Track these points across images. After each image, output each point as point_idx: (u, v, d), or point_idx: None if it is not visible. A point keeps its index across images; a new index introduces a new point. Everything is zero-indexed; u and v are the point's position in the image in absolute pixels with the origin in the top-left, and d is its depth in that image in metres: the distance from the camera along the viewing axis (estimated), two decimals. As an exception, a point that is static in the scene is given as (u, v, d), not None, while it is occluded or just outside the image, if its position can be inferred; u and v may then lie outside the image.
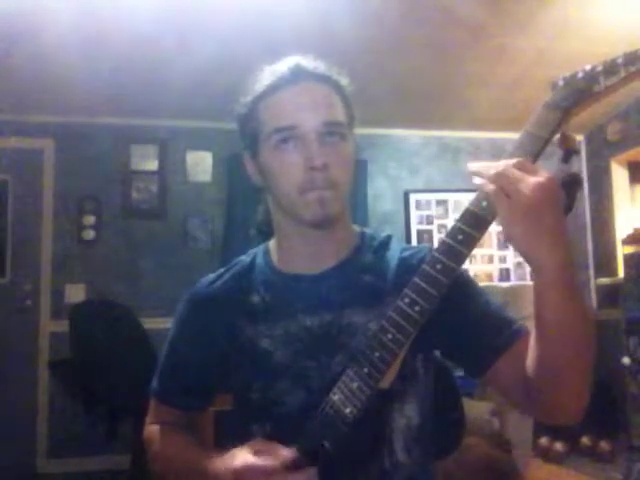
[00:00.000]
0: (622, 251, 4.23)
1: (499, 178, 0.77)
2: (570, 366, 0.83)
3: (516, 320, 0.98)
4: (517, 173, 0.77)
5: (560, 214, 0.78)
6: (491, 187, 0.78)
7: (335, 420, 0.87)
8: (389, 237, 1.09)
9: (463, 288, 0.98)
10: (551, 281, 0.79)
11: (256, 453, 0.87)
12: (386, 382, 0.86)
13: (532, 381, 0.87)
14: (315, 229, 0.99)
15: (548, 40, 3.26)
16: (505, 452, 2.41)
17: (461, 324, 0.97)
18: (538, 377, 0.86)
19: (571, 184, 0.87)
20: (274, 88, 0.98)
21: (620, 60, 0.79)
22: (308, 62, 1.00)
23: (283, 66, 0.99)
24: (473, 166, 0.82)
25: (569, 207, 0.86)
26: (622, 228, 4.38)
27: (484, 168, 0.80)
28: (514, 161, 0.79)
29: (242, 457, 0.88)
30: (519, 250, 0.79)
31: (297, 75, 0.98)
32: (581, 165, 4.79)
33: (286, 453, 0.86)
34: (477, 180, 0.81)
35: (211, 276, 1.10)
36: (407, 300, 0.84)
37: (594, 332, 0.86)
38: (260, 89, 0.99)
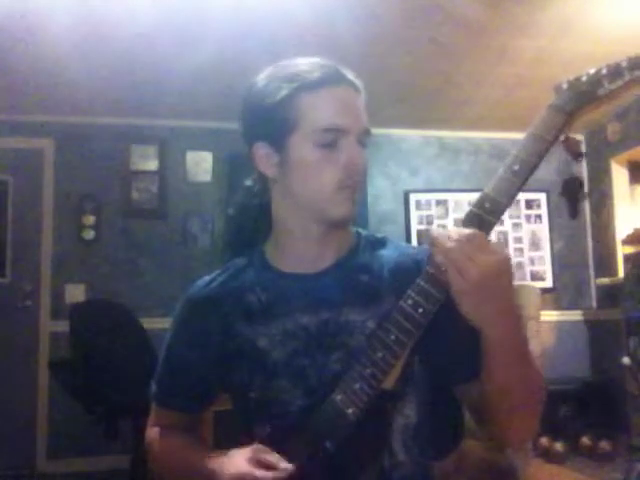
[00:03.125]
0: (622, 251, 4.23)
1: (450, 254, 0.81)
2: (513, 417, 0.92)
3: None
4: (467, 250, 0.80)
5: (507, 288, 0.83)
6: (443, 260, 0.82)
7: (337, 420, 0.88)
8: (384, 237, 1.10)
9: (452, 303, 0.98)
10: (497, 348, 0.85)
11: (253, 462, 0.87)
12: (388, 383, 0.87)
13: (484, 412, 0.95)
14: (333, 227, 1.01)
15: (548, 40, 3.26)
16: (501, 453, 2.41)
17: (452, 335, 0.97)
18: (489, 411, 0.93)
19: (573, 189, 0.90)
20: (317, 84, 0.96)
21: (624, 64, 0.80)
22: (341, 67, 1.00)
23: (318, 64, 0.98)
24: (434, 232, 0.85)
25: (574, 212, 0.89)
26: (622, 228, 4.38)
27: (442, 237, 0.83)
28: (468, 233, 0.81)
29: (239, 464, 0.88)
30: (468, 318, 0.83)
31: (338, 77, 0.98)
32: (581, 165, 4.80)
33: (284, 467, 0.86)
34: (433, 249, 0.84)
35: (206, 278, 1.10)
36: (410, 302, 0.85)
37: (543, 392, 0.94)
38: (301, 82, 0.96)
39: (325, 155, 0.96)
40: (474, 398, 0.96)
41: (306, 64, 0.98)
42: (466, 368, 0.96)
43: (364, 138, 0.99)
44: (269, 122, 0.98)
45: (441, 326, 0.94)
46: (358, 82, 1.01)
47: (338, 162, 0.96)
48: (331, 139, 0.95)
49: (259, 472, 0.85)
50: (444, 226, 4.61)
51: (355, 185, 0.98)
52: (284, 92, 0.96)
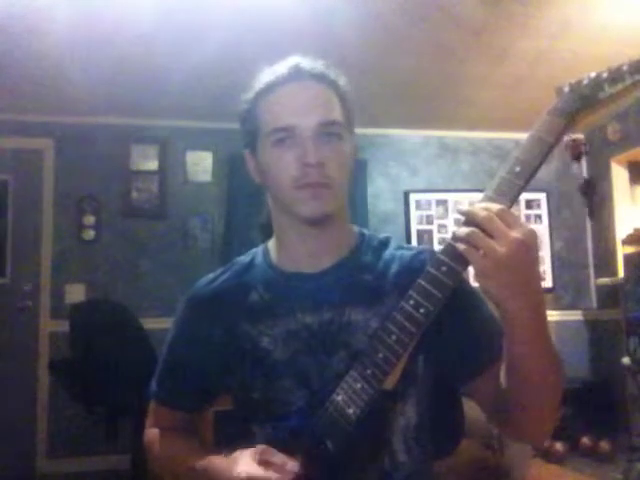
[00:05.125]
0: (622, 251, 4.23)
1: (471, 236, 0.79)
2: (537, 402, 0.89)
3: (502, 340, 0.97)
4: (497, 225, 0.78)
5: (534, 267, 0.81)
6: (463, 247, 0.80)
7: (338, 420, 0.87)
8: (388, 238, 1.09)
9: (460, 297, 0.97)
10: (519, 330, 0.82)
11: (260, 463, 0.86)
12: (389, 383, 0.87)
13: (502, 406, 0.93)
14: (310, 226, 1.00)
15: (548, 41, 3.26)
16: (494, 453, 2.41)
17: (449, 335, 0.98)
18: (508, 405, 0.92)
19: (587, 190, 0.89)
20: (272, 86, 0.99)
21: (625, 67, 0.80)
22: (307, 62, 1.01)
23: (282, 65, 1.01)
24: (462, 210, 0.83)
25: (592, 212, 0.88)
26: (622, 228, 4.38)
27: (472, 212, 0.81)
28: (498, 208, 0.79)
29: (246, 466, 0.87)
30: (491, 300, 0.82)
31: (295, 74, 0.99)
32: (581, 165, 4.80)
33: (290, 467, 0.85)
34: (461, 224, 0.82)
35: (210, 276, 1.11)
36: (412, 302, 0.85)
37: (563, 378, 0.90)
38: (259, 87, 1.01)
39: (279, 155, 0.97)
40: (486, 394, 0.97)
41: (270, 70, 1.01)
42: (473, 364, 0.98)
43: (328, 130, 0.97)
44: (244, 130, 1.05)
45: (446, 324, 0.95)
46: (323, 72, 1.00)
47: (291, 161, 0.96)
48: (282, 138, 0.97)
49: (272, 474, 0.84)
50: (444, 226, 4.61)
51: (315, 183, 0.95)
52: (249, 101, 1.02)
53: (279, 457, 0.87)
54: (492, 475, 2.34)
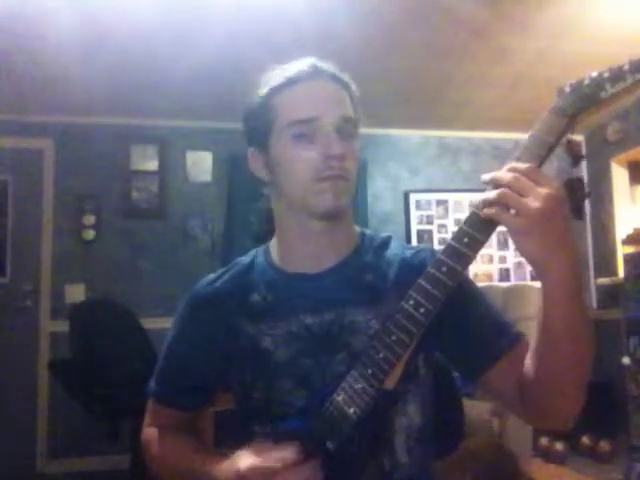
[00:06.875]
0: (622, 251, 4.23)
1: (501, 196, 0.79)
2: (571, 370, 0.86)
3: (514, 327, 0.98)
4: (526, 183, 0.78)
5: (567, 222, 0.80)
6: (492, 211, 0.80)
7: (338, 420, 0.87)
8: (389, 237, 1.09)
9: (464, 292, 0.99)
10: (558, 287, 0.81)
11: (259, 454, 0.87)
12: (390, 383, 0.87)
13: (529, 386, 0.90)
14: (323, 220, 1.00)
15: (548, 40, 3.26)
16: (507, 457, 2.40)
17: (461, 328, 0.98)
18: (538, 381, 0.88)
19: (575, 190, 0.88)
20: (291, 82, 0.99)
21: (626, 67, 0.79)
22: (323, 63, 1.02)
23: (298, 64, 1.01)
24: (486, 177, 0.83)
25: (579, 213, 0.88)
26: (622, 228, 4.38)
27: (499, 175, 0.80)
28: (524, 167, 0.79)
29: (246, 459, 0.88)
30: (528, 260, 0.81)
31: (314, 72, 1.00)
32: (581, 165, 4.80)
33: (289, 452, 0.86)
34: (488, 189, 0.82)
35: (211, 276, 1.11)
36: (412, 302, 0.85)
37: (594, 335, 0.88)
38: (276, 83, 1.00)
39: (300, 147, 0.97)
40: (507, 381, 0.95)
41: (285, 67, 1.01)
42: (491, 349, 0.96)
43: (345, 126, 0.99)
44: (253, 127, 1.04)
45: (453, 320, 0.95)
46: (341, 74, 1.03)
47: (313, 153, 0.96)
48: (304, 130, 0.97)
49: (271, 462, 0.85)
50: (444, 226, 4.61)
51: (336, 175, 0.96)
52: (261, 96, 1.01)
53: (276, 446, 0.88)
54: (492, 474, 2.34)
